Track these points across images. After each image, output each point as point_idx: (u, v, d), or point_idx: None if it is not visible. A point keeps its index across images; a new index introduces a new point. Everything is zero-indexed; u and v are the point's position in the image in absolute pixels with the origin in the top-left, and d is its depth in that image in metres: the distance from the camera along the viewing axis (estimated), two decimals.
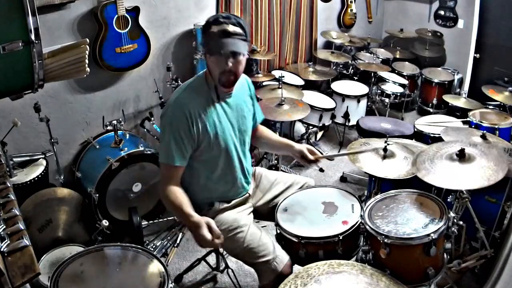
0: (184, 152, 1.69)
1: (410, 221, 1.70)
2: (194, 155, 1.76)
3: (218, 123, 1.75)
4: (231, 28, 1.63)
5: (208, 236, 1.55)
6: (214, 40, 1.64)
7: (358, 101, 3.79)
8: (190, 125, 1.68)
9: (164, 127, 1.72)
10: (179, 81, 2.97)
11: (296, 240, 1.76)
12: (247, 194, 1.96)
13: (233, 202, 1.90)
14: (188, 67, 3.33)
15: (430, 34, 4.70)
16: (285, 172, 3.45)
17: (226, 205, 1.87)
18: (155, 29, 3.07)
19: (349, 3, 4.82)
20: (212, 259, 2.41)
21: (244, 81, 1.92)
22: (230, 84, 1.72)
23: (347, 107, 3.77)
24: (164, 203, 1.73)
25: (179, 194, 1.68)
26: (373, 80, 4.16)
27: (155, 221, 2.79)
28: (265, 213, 2.04)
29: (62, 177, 2.62)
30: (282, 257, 1.74)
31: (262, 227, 1.89)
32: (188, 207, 1.64)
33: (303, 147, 1.96)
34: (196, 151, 1.75)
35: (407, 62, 4.59)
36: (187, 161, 1.73)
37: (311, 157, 1.93)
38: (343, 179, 3.50)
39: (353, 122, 3.75)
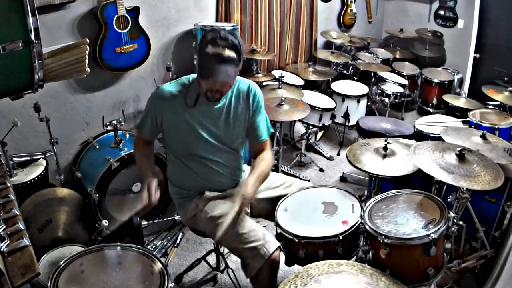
0: (152, 130, 1.90)
1: (410, 221, 1.70)
2: (172, 150, 1.92)
3: (186, 124, 1.80)
4: (226, 53, 1.59)
5: (145, 195, 1.78)
6: (207, 63, 1.62)
7: (358, 101, 3.79)
8: (158, 116, 1.82)
9: (146, 105, 1.90)
10: None
11: (296, 240, 1.76)
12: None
13: (223, 192, 1.93)
14: (188, 67, 3.32)
15: (430, 34, 4.69)
16: (285, 172, 3.45)
17: (217, 193, 1.91)
18: (155, 29, 3.06)
19: (349, 3, 4.82)
20: (212, 259, 2.41)
21: (245, 87, 1.87)
22: (214, 100, 1.77)
23: (347, 107, 3.77)
24: (134, 156, 2.02)
25: (143, 155, 1.95)
26: (373, 80, 4.16)
27: (155, 221, 2.79)
28: (263, 214, 2.04)
29: (62, 177, 2.62)
30: (271, 243, 1.74)
31: (263, 227, 1.89)
32: (146, 170, 1.87)
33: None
34: (170, 147, 1.93)
35: (407, 62, 4.59)
36: (155, 138, 2.03)
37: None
38: (343, 179, 3.50)
39: (353, 122, 3.74)
